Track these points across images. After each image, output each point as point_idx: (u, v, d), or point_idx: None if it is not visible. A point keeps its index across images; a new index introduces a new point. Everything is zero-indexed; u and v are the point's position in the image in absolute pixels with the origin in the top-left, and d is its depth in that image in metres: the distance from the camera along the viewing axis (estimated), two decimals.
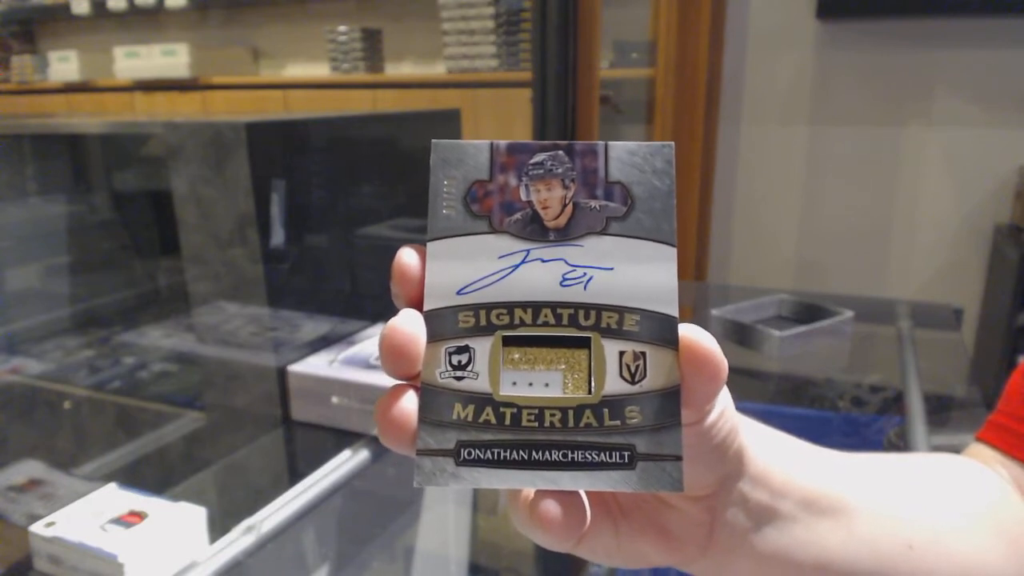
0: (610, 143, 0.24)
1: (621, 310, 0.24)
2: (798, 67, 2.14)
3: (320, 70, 3.05)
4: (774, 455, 0.30)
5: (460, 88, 2.49)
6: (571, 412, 0.24)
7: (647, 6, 2.28)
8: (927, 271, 2.13)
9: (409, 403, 0.23)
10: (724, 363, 0.23)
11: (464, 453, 0.23)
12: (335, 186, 0.89)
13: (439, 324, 0.24)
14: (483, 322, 0.24)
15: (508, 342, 0.24)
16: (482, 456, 0.23)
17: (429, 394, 0.23)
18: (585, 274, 0.24)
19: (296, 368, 0.82)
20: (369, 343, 0.88)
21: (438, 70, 2.73)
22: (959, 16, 1.93)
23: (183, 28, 3.29)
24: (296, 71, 3.18)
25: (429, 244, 0.24)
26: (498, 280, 0.24)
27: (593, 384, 0.24)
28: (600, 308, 0.24)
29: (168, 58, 2.97)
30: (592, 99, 1.39)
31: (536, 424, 0.23)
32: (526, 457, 0.23)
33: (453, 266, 0.24)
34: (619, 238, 0.24)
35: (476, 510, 0.76)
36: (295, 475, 0.70)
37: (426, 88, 2.64)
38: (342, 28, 2.81)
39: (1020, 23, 1.89)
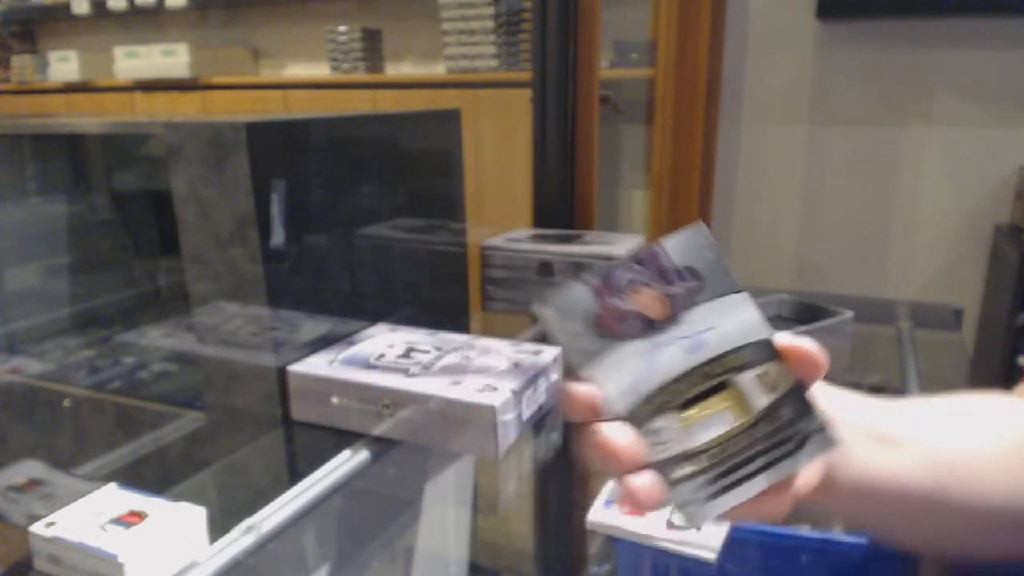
0: (663, 244, 0.32)
1: (737, 350, 0.32)
2: (798, 67, 2.14)
3: (320, 70, 3.05)
4: (841, 403, 0.37)
5: (460, 88, 2.49)
6: (748, 432, 0.31)
7: (647, 6, 2.28)
8: (927, 271, 2.13)
9: (653, 482, 0.31)
10: (822, 354, 0.32)
11: (702, 494, 0.31)
12: (335, 186, 0.89)
13: (632, 421, 0.31)
14: (656, 404, 0.31)
15: (682, 407, 0.31)
16: (715, 489, 0.31)
17: (656, 469, 0.31)
18: (699, 339, 0.32)
19: (296, 368, 0.82)
20: (369, 343, 0.88)
21: (438, 70, 2.73)
22: (959, 16, 1.93)
23: (183, 28, 3.29)
24: (296, 71, 3.18)
25: (587, 373, 0.32)
26: (645, 372, 0.31)
27: (751, 406, 0.31)
28: (724, 355, 0.32)
29: (168, 58, 2.97)
30: (592, 99, 1.39)
31: (733, 451, 0.31)
32: (742, 475, 0.31)
33: (611, 379, 0.31)
34: (705, 304, 0.32)
35: (476, 510, 0.76)
36: (295, 475, 0.70)
37: (426, 88, 2.64)
38: (342, 28, 2.81)
39: (1020, 23, 1.89)
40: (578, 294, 0.31)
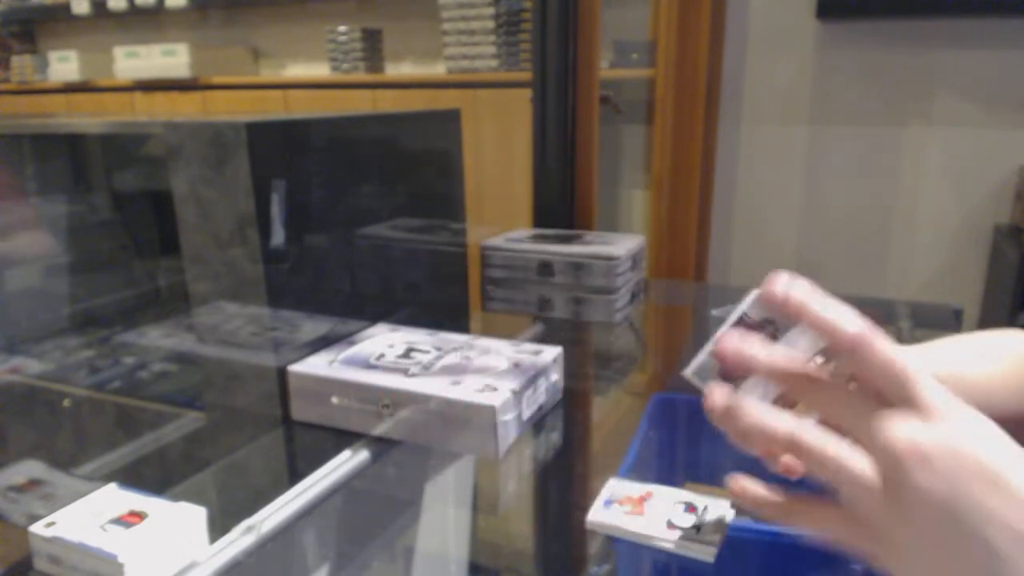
0: (745, 312, 0.47)
1: (812, 358, 0.46)
2: (798, 67, 2.14)
3: (320, 70, 3.05)
4: None
5: (460, 88, 2.49)
6: None
7: (647, 6, 2.28)
8: (927, 271, 2.13)
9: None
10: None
11: None
12: (335, 186, 0.89)
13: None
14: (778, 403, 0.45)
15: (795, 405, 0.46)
16: None
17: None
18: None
19: (296, 368, 0.82)
20: (369, 343, 0.88)
21: (438, 70, 2.73)
22: (959, 16, 1.93)
23: (183, 28, 3.30)
24: (296, 71, 3.18)
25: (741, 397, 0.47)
26: (764, 393, 0.46)
27: None
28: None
29: (168, 58, 2.97)
30: (592, 99, 1.39)
31: None
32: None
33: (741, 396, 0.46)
34: (782, 338, 0.47)
35: (476, 510, 0.76)
36: (295, 475, 0.70)
37: (426, 88, 2.64)
38: (342, 28, 2.81)
39: (1020, 23, 1.89)
40: (706, 359, 0.48)
